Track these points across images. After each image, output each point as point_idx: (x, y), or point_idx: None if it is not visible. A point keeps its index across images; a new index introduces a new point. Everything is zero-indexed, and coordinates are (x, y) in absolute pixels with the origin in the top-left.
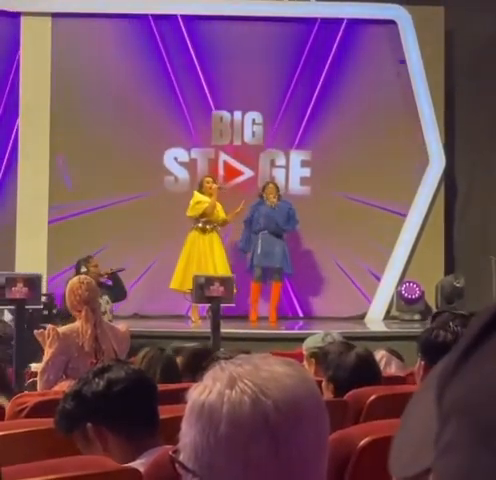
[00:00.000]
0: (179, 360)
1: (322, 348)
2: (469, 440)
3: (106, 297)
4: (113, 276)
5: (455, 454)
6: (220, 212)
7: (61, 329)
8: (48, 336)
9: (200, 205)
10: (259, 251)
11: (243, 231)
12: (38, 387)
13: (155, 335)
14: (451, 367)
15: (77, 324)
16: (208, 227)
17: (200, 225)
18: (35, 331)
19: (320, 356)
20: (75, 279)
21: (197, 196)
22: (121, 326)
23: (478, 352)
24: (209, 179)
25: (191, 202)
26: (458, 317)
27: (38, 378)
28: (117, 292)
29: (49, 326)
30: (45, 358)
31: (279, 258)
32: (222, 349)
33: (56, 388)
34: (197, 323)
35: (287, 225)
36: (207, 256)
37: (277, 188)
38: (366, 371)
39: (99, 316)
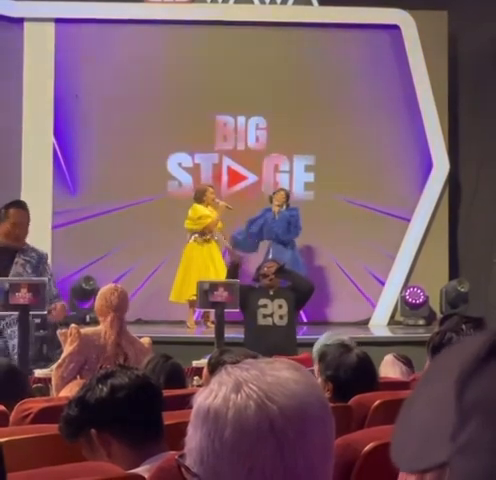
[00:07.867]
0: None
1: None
2: (490, 441)
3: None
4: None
5: (476, 454)
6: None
7: (83, 330)
8: (70, 335)
9: (203, 220)
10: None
11: (245, 229)
12: (53, 381)
13: (159, 341)
14: (473, 366)
15: (100, 328)
16: (206, 237)
17: (198, 236)
18: (58, 331)
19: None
20: (111, 285)
21: (199, 209)
22: (144, 340)
23: None
24: (212, 190)
25: (191, 214)
26: (470, 320)
27: (53, 372)
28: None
29: (72, 325)
30: (63, 354)
31: (289, 264)
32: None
33: (67, 388)
34: (192, 328)
35: (286, 235)
36: (208, 265)
37: (287, 196)
38: (366, 371)
39: (125, 326)
